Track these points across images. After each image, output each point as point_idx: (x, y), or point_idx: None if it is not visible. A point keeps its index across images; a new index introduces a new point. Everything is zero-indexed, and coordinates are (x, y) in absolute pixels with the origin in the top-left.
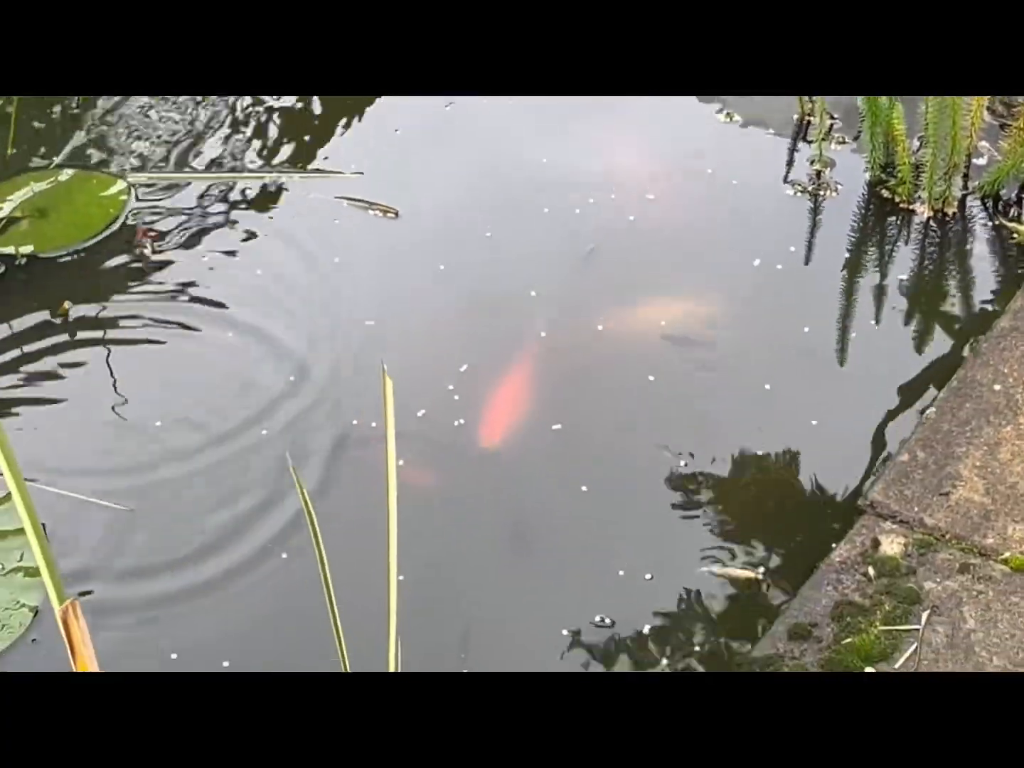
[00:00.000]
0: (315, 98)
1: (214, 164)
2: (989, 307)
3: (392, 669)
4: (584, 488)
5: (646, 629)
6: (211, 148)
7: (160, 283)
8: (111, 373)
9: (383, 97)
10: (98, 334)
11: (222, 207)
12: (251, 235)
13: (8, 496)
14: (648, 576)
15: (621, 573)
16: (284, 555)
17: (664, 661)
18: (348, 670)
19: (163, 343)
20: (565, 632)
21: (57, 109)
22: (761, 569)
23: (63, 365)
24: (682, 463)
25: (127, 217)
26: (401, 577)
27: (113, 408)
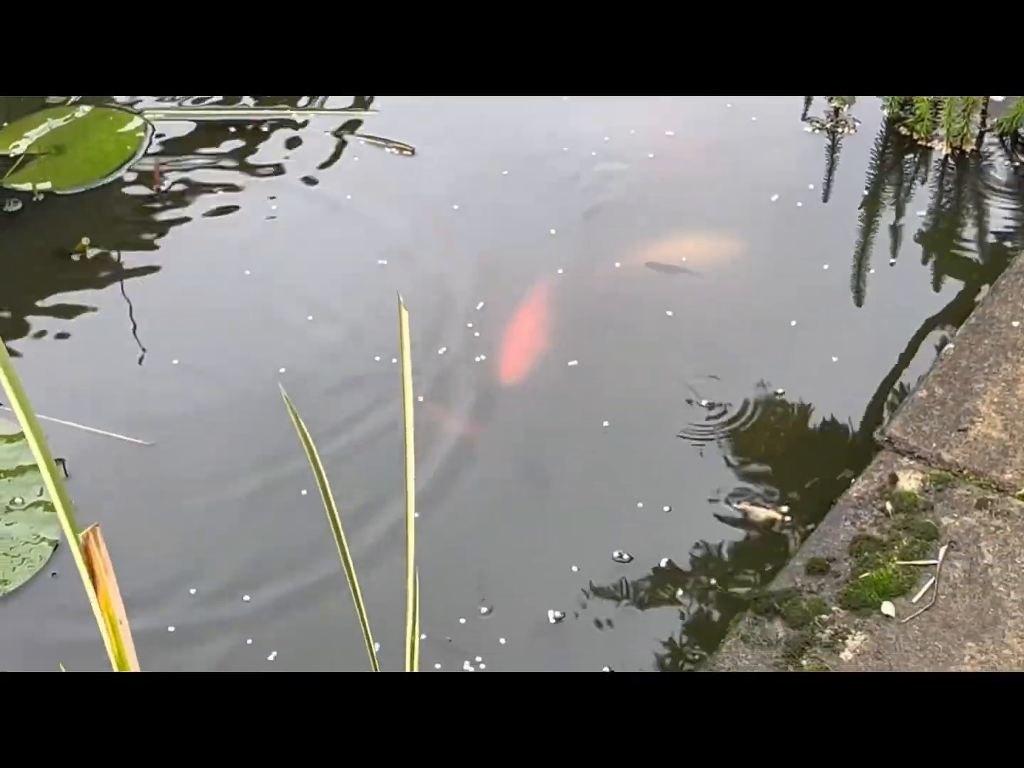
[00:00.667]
0: None
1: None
2: (1007, 244)
3: (410, 603)
4: (606, 424)
5: (663, 563)
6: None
7: (175, 218)
8: (130, 312)
9: None
10: (115, 270)
11: (239, 143)
12: (265, 170)
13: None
14: (667, 508)
15: (640, 505)
16: (304, 491)
17: (679, 593)
18: (361, 606)
19: (179, 278)
20: (576, 568)
21: None
22: (784, 508)
23: (80, 301)
24: (703, 401)
25: (144, 153)
26: (417, 515)
27: (137, 339)
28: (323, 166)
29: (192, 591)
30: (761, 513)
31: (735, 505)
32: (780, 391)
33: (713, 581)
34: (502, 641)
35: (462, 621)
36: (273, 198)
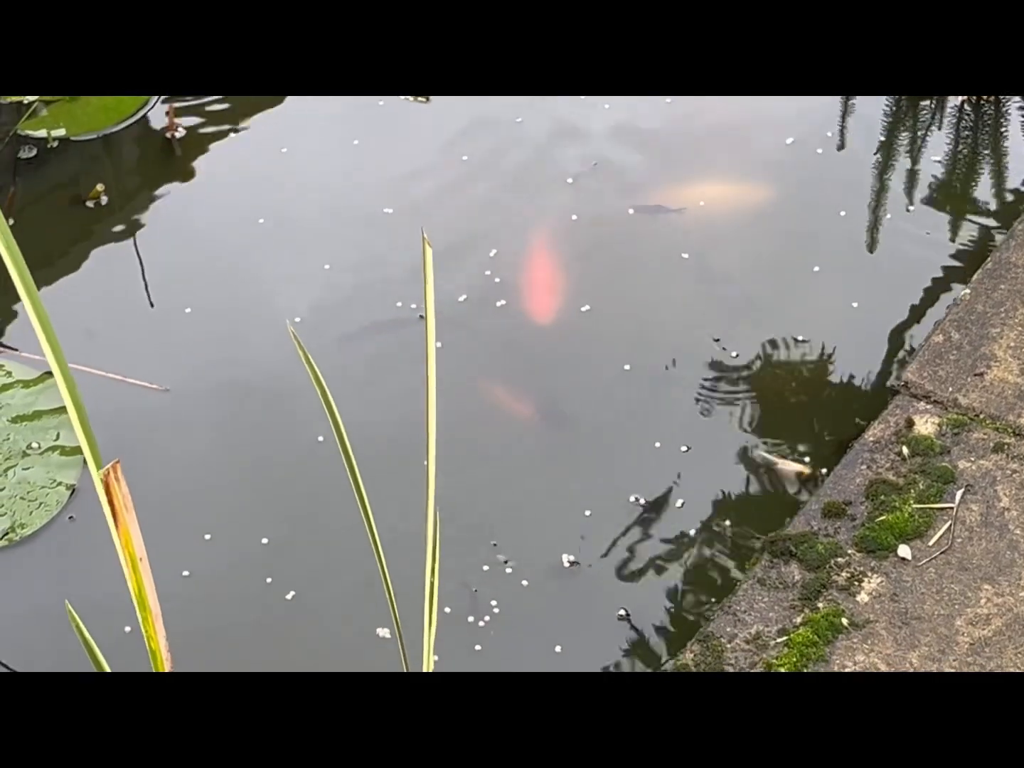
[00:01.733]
0: None
1: None
2: (1022, 190)
3: (430, 542)
4: (627, 367)
5: (679, 503)
6: None
7: (189, 163)
8: (139, 258)
9: None
10: (130, 216)
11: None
12: (281, 113)
13: (42, 377)
14: (684, 448)
15: (657, 445)
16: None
17: (692, 532)
18: (376, 537)
19: (192, 224)
20: (589, 513)
21: None
22: (807, 460)
23: (95, 246)
24: (719, 345)
25: (158, 100)
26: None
27: (146, 283)
28: (337, 109)
29: (207, 536)
30: (788, 466)
31: (762, 453)
32: (799, 337)
33: (729, 523)
34: (524, 583)
35: (481, 567)
36: (287, 143)
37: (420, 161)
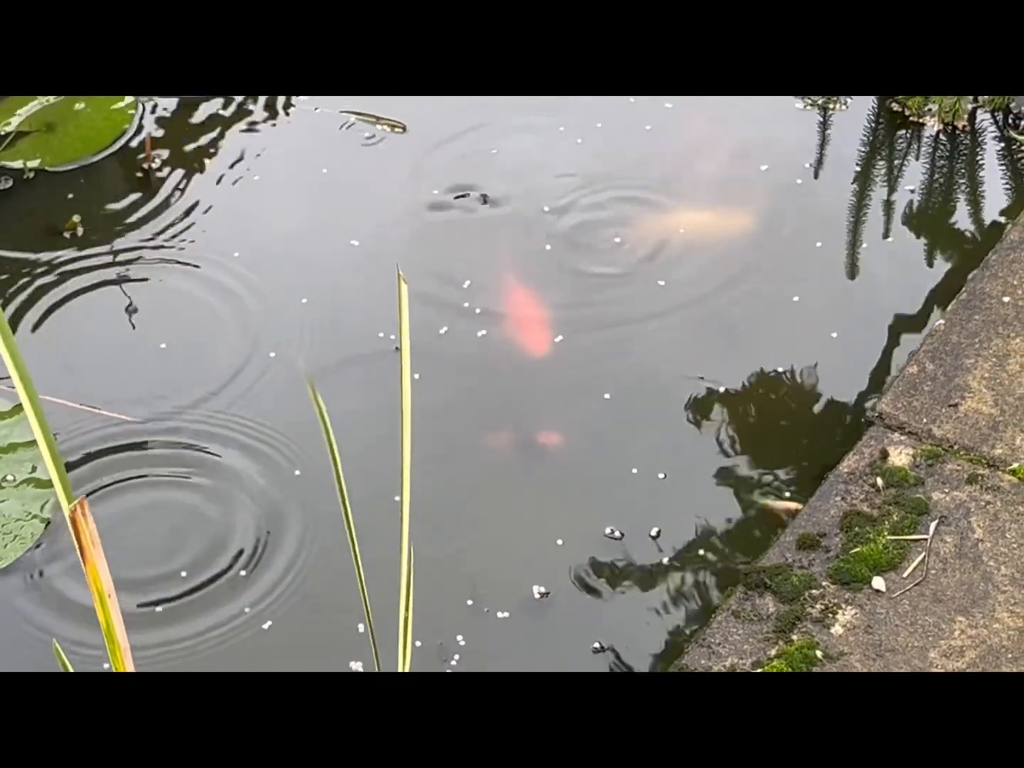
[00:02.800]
0: None
1: None
2: (998, 220)
3: (404, 577)
4: (607, 396)
5: (654, 531)
6: None
7: (166, 194)
8: (122, 291)
9: None
10: (105, 248)
11: (230, 120)
12: (257, 144)
13: (16, 409)
14: (661, 475)
15: (635, 471)
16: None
17: (667, 562)
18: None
19: (169, 256)
20: (561, 541)
21: None
22: (788, 494)
23: (71, 279)
24: (698, 374)
25: (135, 130)
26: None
27: (129, 319)
28: (312, 141)
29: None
30: (779, 506)
31: (758, 500)
32: (779, 367)
33: (705, 553)
34: (497, 616)
35: (453, 599)
36: (260, 172)
37: (393, 193)
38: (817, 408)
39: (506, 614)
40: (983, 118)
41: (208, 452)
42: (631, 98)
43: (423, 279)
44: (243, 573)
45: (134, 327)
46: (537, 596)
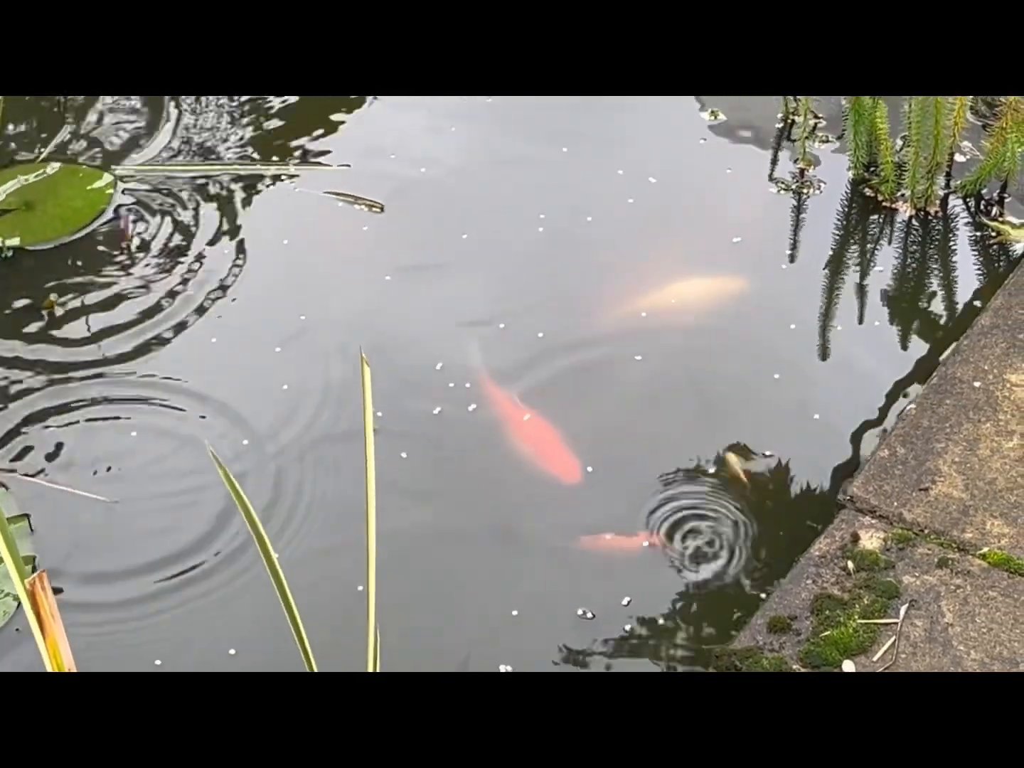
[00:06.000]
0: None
1: (199, 156)
2: (971, 304)
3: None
4: (590, 468)
5: (628, 611)
6: (196, 141)
7: (143, 275)
8: (100, 373)
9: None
10: (84, 326)
11: (206, 200)
12: (230, 230)
13: None
14: (625, 603)
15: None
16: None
17: (638, 643)
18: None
19: (146, 337)
20: (533, 625)
21: (44, 103)
22: (757, 576)
23: (48, 356)
24: (675, 450)
25: (113, 210)
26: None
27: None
28: (290, 224)
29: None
30: (737, 468)
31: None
32: (755, 446)
33: (679, 634)
34: None
35: None
36: (241, 256)
37: (369, 277)
38: (790, 489)
39: None
40: (955, 203)
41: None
42: (621, 169)
43: None
44: None
45: (107, 399)
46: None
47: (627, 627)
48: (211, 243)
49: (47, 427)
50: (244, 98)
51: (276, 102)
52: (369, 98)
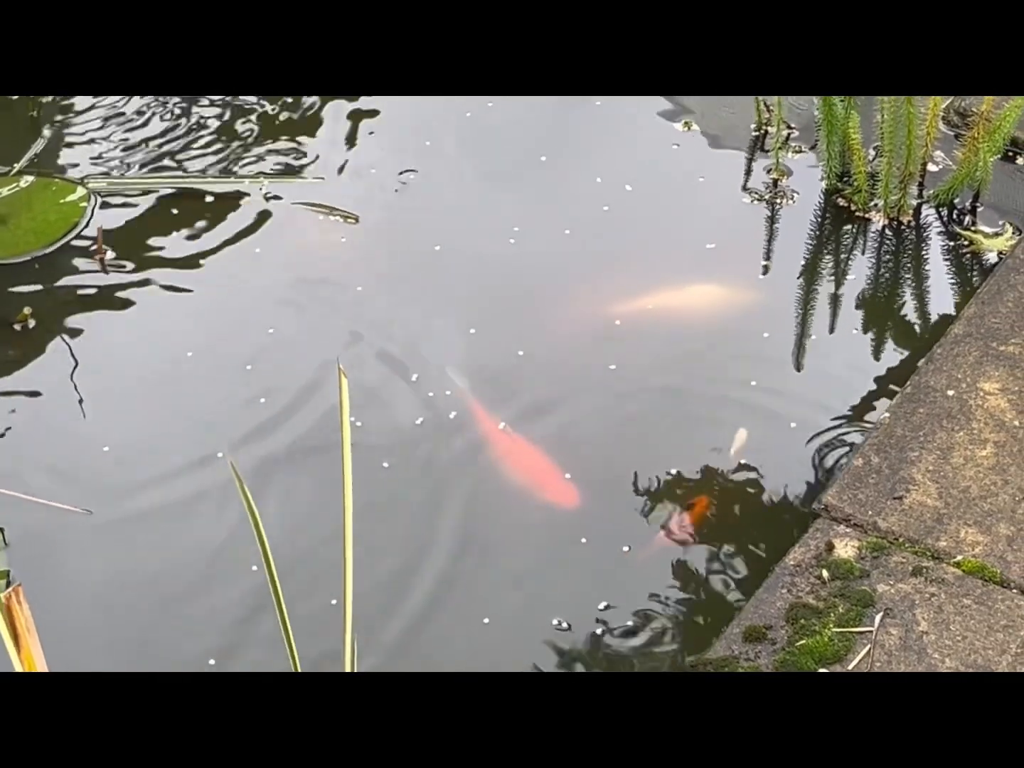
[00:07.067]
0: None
1: (175, 169)
2: (943, 313)
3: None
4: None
5: (602, 620)
6: (173, 154)
7: (117, 288)
8: (74, 386)
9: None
10: (57, 340)
11: (180, 212)
12: (209, 240)
13: None
14: (602, 607)
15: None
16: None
17: (609, 649)
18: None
19: (121, 350)
20: (507, 636)
21: (18, 114)
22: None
23: (21, 370)
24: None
25: (87, 223)
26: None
27: (81, 409)
28: (264, 235)
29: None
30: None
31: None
32: (718, 458)
33: (649, 644)
34: None
35: None
36: (215, 267)
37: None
38: (765, 500)
39: None
40: (928, 213)
41: None
42: (599, 177)
43: None
44: None
45: (84, 414)
46: None
47: (601, 636)
48: (184, 258)
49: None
50: (220, 109)
51: (253, 116)
52: (345, 109)
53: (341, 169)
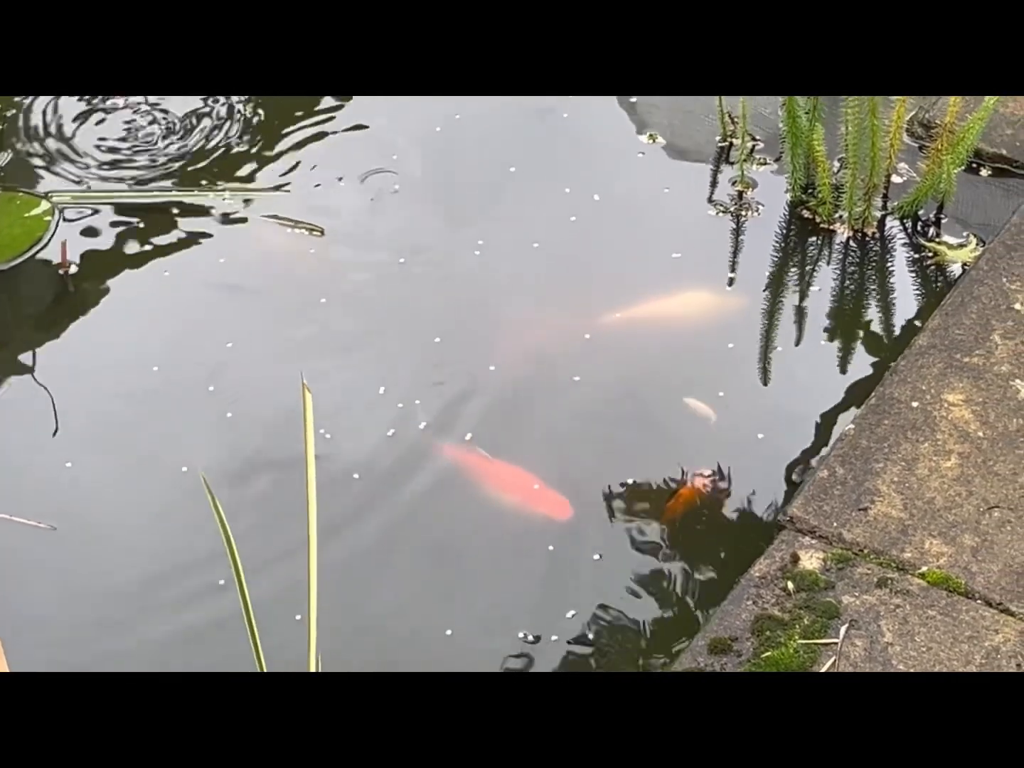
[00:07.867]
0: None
1: (141, 183)
2: (908, 325)
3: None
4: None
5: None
6: (140, 167)
7: (82, 301)
8: (50, 401)
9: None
10: (22, 353)
11: (145, 225)
12: (175, 252)
13: None
14: (570, 616)
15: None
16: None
17: (577, 660)
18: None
19: (87, 363)
20: (449, 631)
21: None
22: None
23: None
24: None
25: (51, 237)
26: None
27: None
28: (229, 247)
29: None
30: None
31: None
32: (698, 470)
33: (615, 657)
34: None
35: None
36: (180, 280)
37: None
38: (730, 510)
39: None
40: (892, 225)
41: None
42: (567, 188)
43: None
44: None
45: (56, 429)
46: None
47: (568, 647)
48: (149, 270)
49: None
50: (187, 121)
51: (220, 131)
52: (311, 120)
53: (306, 182)
